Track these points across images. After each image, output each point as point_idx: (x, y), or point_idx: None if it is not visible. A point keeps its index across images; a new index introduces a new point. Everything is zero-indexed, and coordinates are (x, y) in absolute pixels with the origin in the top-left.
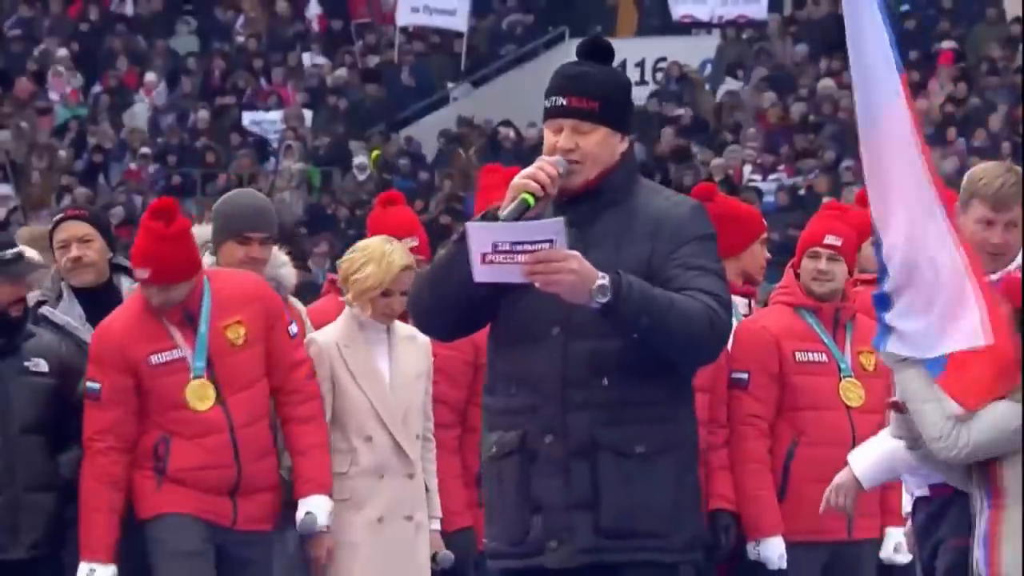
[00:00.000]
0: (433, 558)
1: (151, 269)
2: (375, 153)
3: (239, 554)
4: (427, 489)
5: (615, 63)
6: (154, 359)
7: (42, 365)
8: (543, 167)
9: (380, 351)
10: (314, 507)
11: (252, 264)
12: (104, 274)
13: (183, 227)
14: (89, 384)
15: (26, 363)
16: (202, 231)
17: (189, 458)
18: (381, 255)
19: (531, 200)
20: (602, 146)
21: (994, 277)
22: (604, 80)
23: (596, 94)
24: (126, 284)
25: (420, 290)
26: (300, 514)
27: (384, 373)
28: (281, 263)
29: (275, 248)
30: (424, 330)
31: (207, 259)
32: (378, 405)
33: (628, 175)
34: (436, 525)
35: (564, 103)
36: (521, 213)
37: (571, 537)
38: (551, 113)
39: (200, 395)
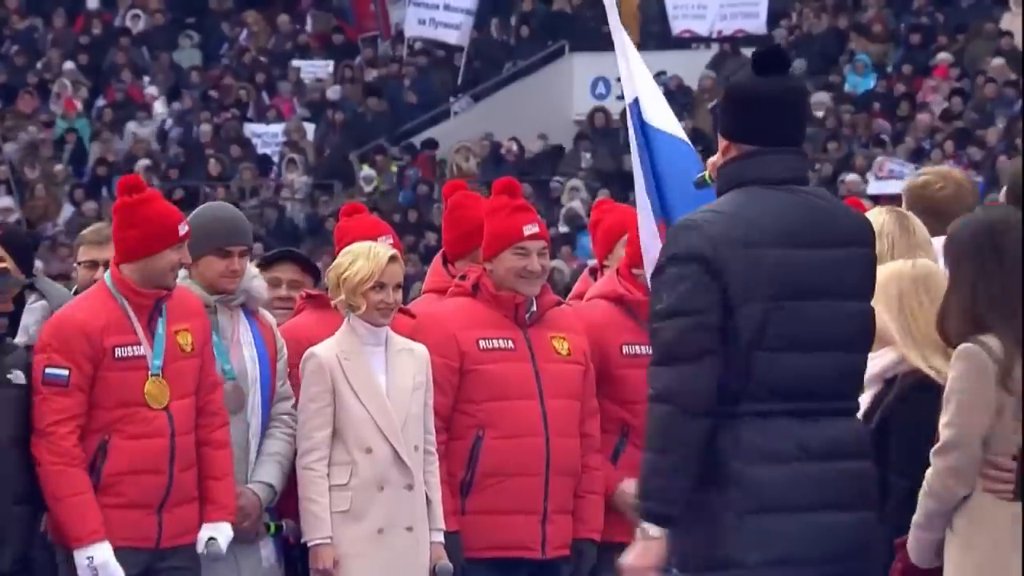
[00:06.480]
0: (432, 570)
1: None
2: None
3: (166, 569)
4: (429, 501)
5: (617, 76)
6: (119, 352)
7: (20, 377)
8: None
9: (377, 363)
10: (218, 533)
11: (232, 277)
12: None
13: None
14: (52, 371)
15: (8, 375)
16: None
17: (126, 460)
18: (367, 250)
19: (708, 177)
20: (721, 147)
21: None
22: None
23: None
24: (33, 300)
25: None
26: (203, 537)
27: (382, 385)
28: (252, 276)
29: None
30: None
31: (181, 273)
32: (377, 417)
33: (725, 181)
34: (437, 537)
35: None
36: (699, 183)
37: None
38: None
39: (158, 394)
